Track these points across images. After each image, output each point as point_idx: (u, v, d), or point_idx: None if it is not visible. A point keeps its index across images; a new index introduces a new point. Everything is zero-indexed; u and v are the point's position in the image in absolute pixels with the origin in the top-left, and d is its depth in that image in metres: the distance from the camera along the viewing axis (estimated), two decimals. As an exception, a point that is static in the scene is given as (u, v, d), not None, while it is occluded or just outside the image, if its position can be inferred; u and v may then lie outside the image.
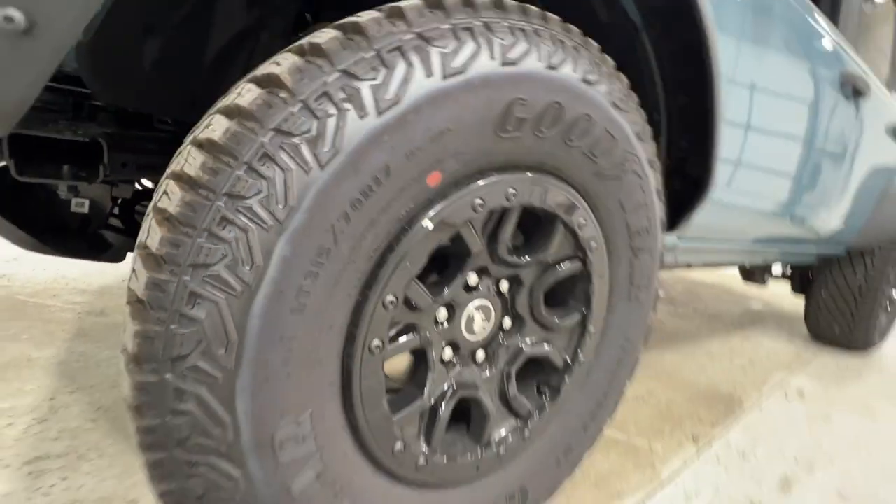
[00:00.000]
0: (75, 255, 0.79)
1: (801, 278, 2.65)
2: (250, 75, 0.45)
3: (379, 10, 0.47)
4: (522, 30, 0.54)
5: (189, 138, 0.46)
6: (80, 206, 0.76)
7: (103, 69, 0.66)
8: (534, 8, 0.57)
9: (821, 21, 1.43)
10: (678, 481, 1.12)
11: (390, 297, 0.52)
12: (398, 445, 0.59)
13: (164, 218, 0.41)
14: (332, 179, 0.43)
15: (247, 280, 0.41)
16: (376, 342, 0.53)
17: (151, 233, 0.41)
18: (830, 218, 1.95)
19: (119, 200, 0.90)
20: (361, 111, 0.43)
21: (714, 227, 1.29)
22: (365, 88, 0.44)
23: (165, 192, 0.42)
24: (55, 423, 0.97)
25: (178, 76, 0.75)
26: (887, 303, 2.69)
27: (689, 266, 1.69)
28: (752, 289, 4.18)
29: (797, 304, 2.83)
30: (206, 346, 0.41)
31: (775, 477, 1.21)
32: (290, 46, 0.46)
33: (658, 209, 0.80)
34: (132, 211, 0.93)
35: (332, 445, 0.52)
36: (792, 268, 2.68)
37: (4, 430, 0.92)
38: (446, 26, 0.49)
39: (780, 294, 3.97)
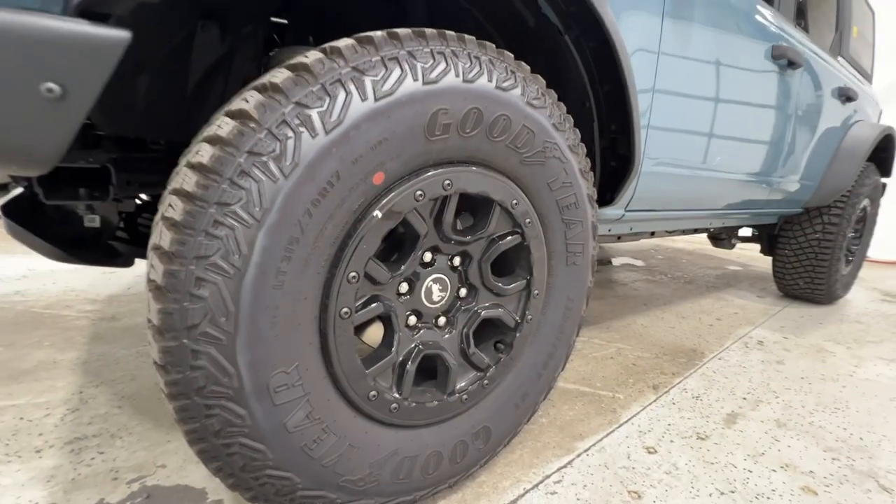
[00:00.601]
0: (92, 263, 0.93)
1: (769, 239, 2.80)
2: (225, 109, 0.59)
3: (321, 50, 0.61)
4: (441, 53, 0.68)
5: (183, 161, 0.60)
6: (92, 221, 0.89)
7: (104, 104, 0.79)
8: (451, 33, 0.70)
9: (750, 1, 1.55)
10: (634, 421, 1.28)
11: (352, 273, 0.67)
12: (372, 393, 0.74)
13: (172, 224, 0.55)
14: (295, 186, 0.57)
15: (237, 265, 0.55)
16: (345, 309, 0.67)
17: (163, 236, 0.55)
18: (782, 180, 2.10)
19: (123, 214, 1.04)
20: (313, 132, 0.57)
21: (655, 197, 1.43)
22: (314, 114, 0.57)
23: (170, 205, 0.56)
24: (86, 411, 1.12)
25: (167, 104, 0.88)
26: (847, 256, 2.86)
27: (641, 235, 1.84)
28: (731, 253, 4.36)
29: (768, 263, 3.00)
30: (212, 316, 0.55)
31: (722, 413, 1.37)
32: (254, 84, 0.59)
33: (584, 187, 0.94)
34: (136, 223, 1.06)
35: (317, 392, 0.67)
36: (759, 230, 2.83)
37: (44, 419, 1.07)
38: (376, 58, 0.62)
39: (758, 257, 4.15)
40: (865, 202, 2.75)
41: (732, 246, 2.76)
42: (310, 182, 0.58)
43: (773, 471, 1.12)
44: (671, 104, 1.26)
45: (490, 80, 0.72)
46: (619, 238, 1.88)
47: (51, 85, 0.47)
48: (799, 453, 1.20)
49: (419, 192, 0.71)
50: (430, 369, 0.88)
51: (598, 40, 0.97)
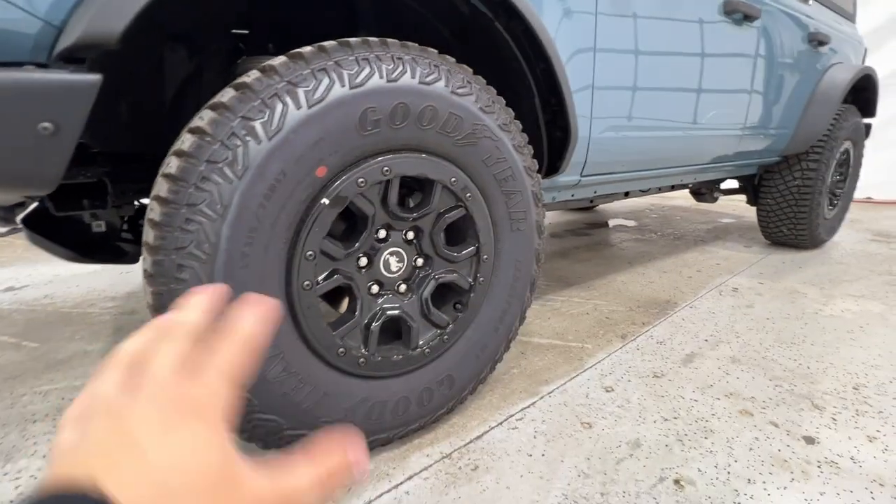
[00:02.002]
0: (104, 262, 1.08)
1: (753, 189, 2.86)
2: (188, 127, 0.72)
3: (260, 70, 0.73)
4: (366, 58, 0.79)
5: (160, 172, 0.74)
6: (99, 226, 1.04)
7: (92, 127, 0.93)
8: (374, 39, 0.82)
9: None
10: (597, 366, 1.43)
11: (309, 252, 0.81)
12: (340, 350, 0.89)
13: (154, 224, 0.69)
14: (247, 185, 0.70)
15: (209, 252, 0.69)
16: (306, 282, 0.82)
17: (148, 234, 0.70)
18: (752, 132, 2.15)
19: (126, 218, 1.19)
20: (258, 140, 0.70)
21: (611, 160, 1.53)
22: (257, 125, 0.70)
23: (151, 209, 0.70)
24: (116, 389, 1.30)
25: (147, 121, 1.02)
26: (833, 200, 2.90)
27: (613, 197, 1.94)
28: (725, 207, 4.39)
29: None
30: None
31: (682, 354, 1.50)
32: (208, 104, 0.72)
33: (519, 160, 1.05)
34: (137, 224, 1.21)
35: (291, 350, 0.82)
36: (742, 181, 2.89)
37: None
38: (307, 71, 0.74)
39: (751, 208, 4.17)
40: (847, 145, 2.78)
41: (715, 200, 2.83)
42: (260, 181, 0.71)
43: (717, 399, 1.25)
44: (615, 65, 1.34)
45: (413, 77, 0.84)
46: (591, 201, 1.98)
47: (46, 124, 0.61)
48: (745, 384, 1.33)
49: (361, 180, 0.83)
50: (398, 330, 1.03)
51: (523, 24, 1.06)
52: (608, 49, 1.29)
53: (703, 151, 1.95)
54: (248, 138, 0.69)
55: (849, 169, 2.95)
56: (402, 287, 1.03)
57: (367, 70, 0.78)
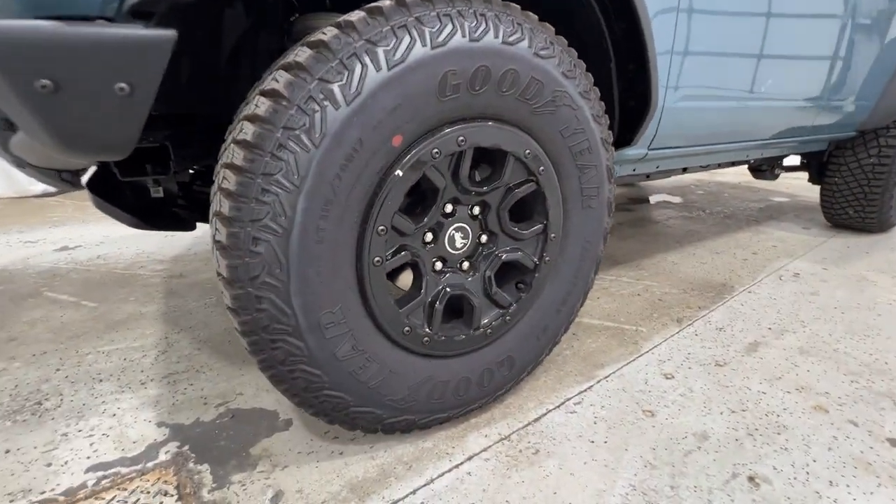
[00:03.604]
0: (162, 229, 1.08)
1: (818, 166, 2.65)
2: (260, 89, 0.67)
3: (336, 26, 0.67)
4: (448, 14, 0.72)
5: (229, 138, 0.69)
6: (157, 192, 1.03)
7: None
8: (455, -9, 0.73)
9: None
10: (654, 351, 1.37)
11: (381, 227, 0.76)
12: (406, 329, 0.86)
13: (228, 194, 0.66)
14: (325, 153, 0.65)
15: (284, 226, 0.66)
16: (377, 258, 0.78)
17: (222, 204, 0.66)
18: (833, 102, 1.96)
19: (180, 183, 1.17)
20: (336, 105, 0.65)
21: (682, 134, 1.41)
22: (336, 88, 0.65)
23: (224, 177, 0.67)
24: (173, 353, 1.33)
25: (205, 81, 0.97)
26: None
27: (671, 172, 1.82)
28: (778, 185, 4.12)
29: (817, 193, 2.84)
30: (269, 268, 0.67)
31: (744, 343, 1.43)
32: (281, 63, 0.67)
33: (597, 132, 0.97)
34: (192, 190, 1.20)
35: (359, 328, 0.80)
36: (807, 157, 2.68)
37: (142, 360, 1.29)
38: (386, 28, 0.67)
39: (808, 186, 3.90)
40: (933, 120, 2.51)
41: (776, 177, 2.64)
42: (337, 149, 0.66)
43: (788, 392, 1.18)
44: (697, 27, 1.21)
45: (497, 37, 0.76)
46: (647, 177, 1.86)
47: (122, 84, 0.57)
48: (817, 377, 1.25)
49: (435, 150, 0.78)
50: (460, 308, 0.99)
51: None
52: (691, 8, 1.16)
53: (778, 123, 1.79)
54: (325, 103, 0.64)
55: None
56: (465, 264, 0.98)
57: (448, 27, 0.71)
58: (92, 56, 0.55)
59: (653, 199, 3.56)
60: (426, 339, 0.90)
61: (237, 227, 0.65)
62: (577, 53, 0.91)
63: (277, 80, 0.65)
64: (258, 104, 0.65)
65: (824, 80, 1.84)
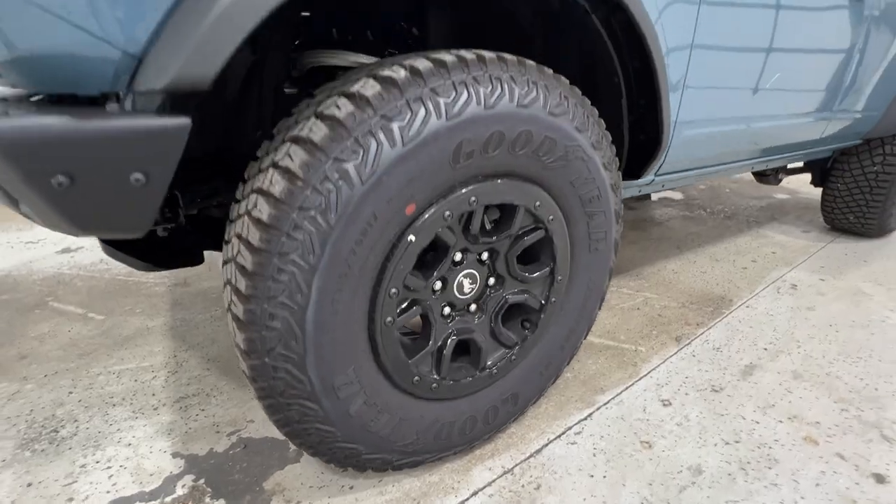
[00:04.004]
0: (173, 267, 1.08)
1: (821, 171, 2.64)
2: (273, 160, 0.67)
3: (350, 99, 0.66)
4: (463, 82, 0.70)
5: (243, 206, 0.69)
6: (164, 232, 1.03)
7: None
8: (468, 55, 0.72)
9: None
10: (653, 374, 1.41)
11: (393, 290, 0.77)
12: (416, 378, 0.89)
13: (245, 271, 0.66)
14: (340, 233, 0.66)
15: (300, 302, 0.67)
16: (389, 319, 0.79)
17: (238, 280, 0.67)
18: (841, 115, 1.94)
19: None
20: (351, 184, 0.65)
21: (689, 159, 1.40)
22: (351, 168, 0.64)
23: (240, 252, 0.67)
24: (183, 373, 1.36)
25: (211, 120, 0.96)
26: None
27: (673, 189, 1.81)
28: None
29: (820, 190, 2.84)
30: (285, 341, 0.68)
31: (740, 365, 1.46)
32: (294, 136, 0.66)
33: (607, 179, 0.97)
34: (197, 218, 1.20)
35: (371, 384, 0.82)
36: (810, 162, 2.66)
37: (152, 381, 1.32)
38: (401, 102, 0.66)
39: (808, 181, 3.89)
40: (939, 127, 2.49)
41: (779, 182, 2.63)
42: (352, 227, 0.67)
43: (780, 422, 1.23)
44: (709, 61, 1.19)
45: (512, 101, 0.75)
46: (648, 197, 1.86)
47: (138, 175, 0.57)
48: (809, 404, 1.30)
49: (447, 213, 0.78)
50: (465, 344, 1.01)
51: (627, 21, 0.93)
52: (704, 45, 1.13)
53: (786, 139, 1.78)
54: (341, 183, 0.64)
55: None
56: (473, 307, 1.00)
57: (464, 97, 0.70)
58: (107, 149, 0.54)
59: (654, 195, 3.55)
60: (434, 384, 0.92)
61: (254, 305, 0.66)
62: (590, 101, 0.90)
63: (292, 157, 0.64)
64: (273, 181, 0.65)
65: (833, 94, 1.81)
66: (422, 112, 0.67)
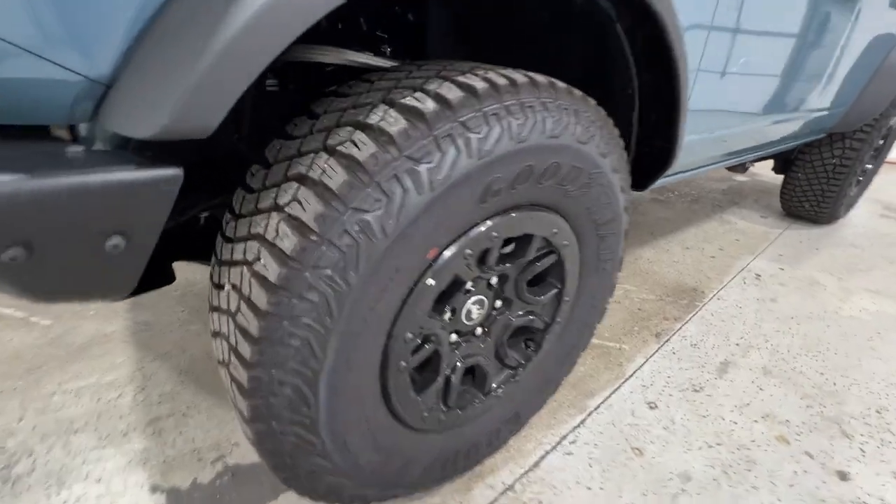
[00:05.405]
0: (151, 289, 0.95)
1: (783, 160, 2.75)
2: (284, 207, 0.57)
3: (371, 138, 0.56)
4: (496, 114, 0.62)
5: (240, 251, 0.60)
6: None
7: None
8: (501, 80, 0.63)
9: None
10: (638, 374, 1.45)
11: (409, 335, 0.71)
12: (425, 414, 0.84)
13: (248, 336, 0.57)
14: (360, 291, 0.58)
15: (314, 367, 0.59)
16: (402, 363, 0.73)
17: (240, 344, 0.58)
18: (813, 113, 1.99)
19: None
20: (373, 238, 0.56)
21: (682, 165, 1.39)
22: (373, 219, 0.56)
23: (242, 313, 0.58)
24: (153, 389, 1.24)
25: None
26: (858, 178, 2.83)
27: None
28: (739, 159, 4.27)
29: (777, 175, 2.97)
30: (295, 407, 0.61)
31: (716, 362, 1.53)
32: (301, 176, 0.56)
33: (622, 201, 0.92)
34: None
35: (382, 430, 0.77)
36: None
37: (118, 400, 1.20)
38: (429, 140, 0.57)
39: (764, 165, 4.08)
40: (894, 121, 2.64)
41: (746, 170, 2.72)
42: (373, 283, 0.59)
43: (755, 421, 1.30)
44: (716, 72, 1.15)
45: (543, 132, 0.67)
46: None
47: (115, 242, 0.46)
48: (779, 402, 1.38)
49: (468, 251, 0.71)
50: (470, 369, 0.97)
51: (652, 32, 0.86)
52: (714, 56, 1.09)
53: (769, 138, 1.80)
54: (361, 237, 0.56)
55: (885, 143, 2.84)
56: (479, 330, 0.95)
57: (496, 130, 0.62)
58: (73, 212, 0.43)
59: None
60: (442, 416, 0.89)
61: (259, 372, 0.58)
62: (612, 121, 0.84)
63: (303, 204, 0.55)
64: (281, 233, 0.55)
65: (809, 95, 1.84)
66: (452, 151, 0.59)
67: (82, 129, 0.51)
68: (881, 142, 2.77)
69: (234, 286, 0.59)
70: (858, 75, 2.14)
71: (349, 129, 0.57)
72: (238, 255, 0.60)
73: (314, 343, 0.58)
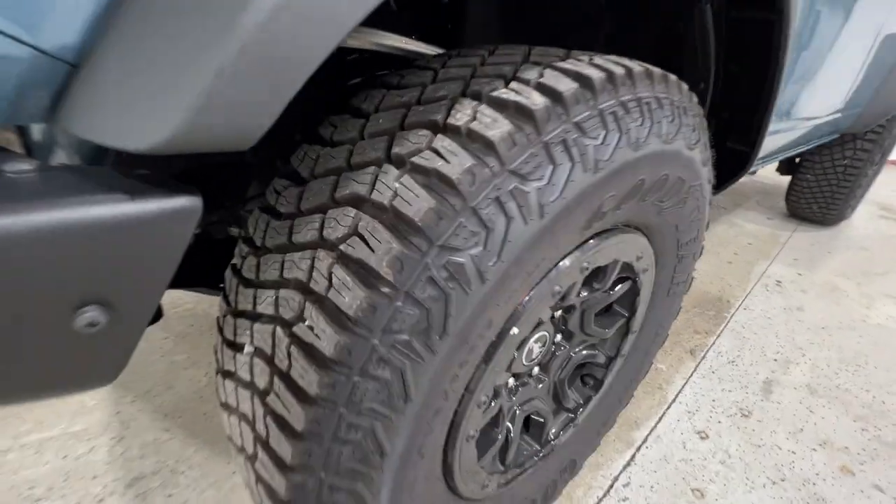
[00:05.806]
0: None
1: (789, 161, 2.70)
2: (337, 246, 0.40)
3: (461, 144, 0.40)
4: (613, 113, 0.46)
5: (275, 310, 0.42)
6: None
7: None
8: (617, 69, 0.48)
9: None
10: (681, 399, 1.32)
11: (483, 398, 0.55)
12: (486, 483, 0.68)
13: (287, 429, 0.40)
14: (445, 359, 0.41)
15: (376, 465, 0.43)
16: (472, 432, 0.57)
17: (279, 444, 0.41)
18: (835, 115, 1.91)
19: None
20: (467, 286, 0.40)
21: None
22: (467, 260, 0.39)
23: (279, 395, 0.41)
24: (132, 439, 1.04)
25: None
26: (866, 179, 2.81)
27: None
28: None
29: (777, 175, 2.92)
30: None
31: (759, 381, 1.43)
32: (356, 197, 0.40)
33: (706, 217, 0.78)
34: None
35: (440, 512, 0.60)
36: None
37: (90, 455, 1.00)
38: (539, 148, 0.41)
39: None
40: (899, 121, 2.60)
41: (754, 172, 2.65)
42: (461, 348, 0.42)
43: (814, 450, 1.19)
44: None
45: (659, 135, 0.52)
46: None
47: (92, 315, 0.28)
48: (832, 425, 1.28)
49: (557, 288, 0.56)
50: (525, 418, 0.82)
51: (763, 16, 0.72)
52: (808, 47, 0.96)
53: (803, 139, 1.71)
54: (451, 286, 0.39)
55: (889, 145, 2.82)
56: (536, 370, 0.80)
57: (615, 136, 0.46)
58: (16, 273, 0.26)
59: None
60: (502, 479, 0.73)
61: (303, 476, 0.41)
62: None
63: (368, 240, 0.38)
64: (336, 282, 0.38)
65: (839, 96, 1.76)
66: (566, 163, 0.43)
67: (35, 132, 0.34)
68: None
69: (261, 353, 0.42)
70: (874, 75, 2.08)
71: (424, 132, 0.41)
72: (266, 308, 0.42)
73: (381, 434, 0.41)
